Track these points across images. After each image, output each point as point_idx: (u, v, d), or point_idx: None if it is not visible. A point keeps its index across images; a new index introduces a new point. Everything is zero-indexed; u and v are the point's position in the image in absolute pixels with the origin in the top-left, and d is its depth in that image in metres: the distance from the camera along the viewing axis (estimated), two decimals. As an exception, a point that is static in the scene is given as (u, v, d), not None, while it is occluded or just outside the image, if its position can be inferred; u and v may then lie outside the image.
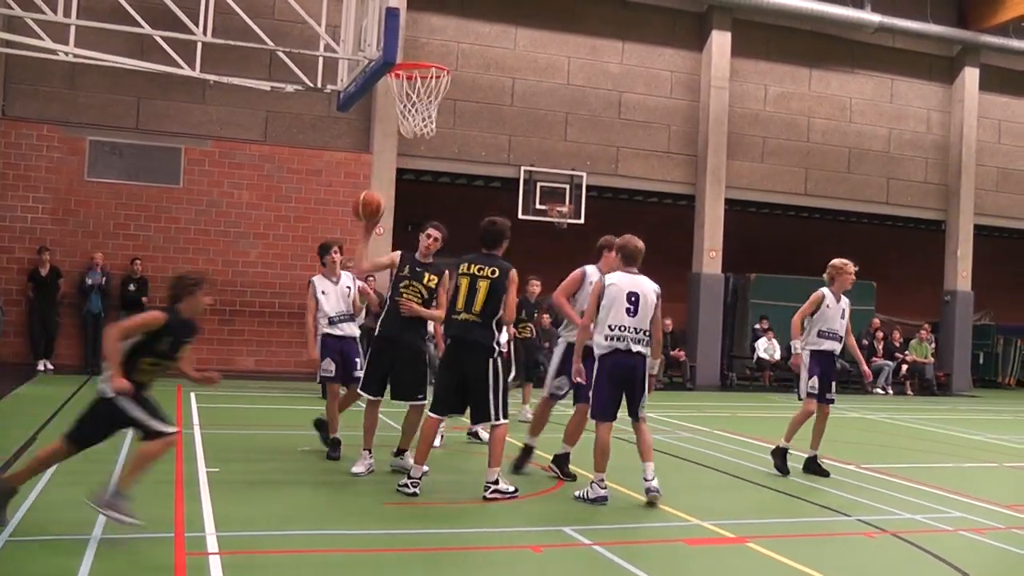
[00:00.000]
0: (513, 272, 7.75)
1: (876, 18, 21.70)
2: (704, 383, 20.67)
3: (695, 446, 11.64)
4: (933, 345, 23.36)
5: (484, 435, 10.03)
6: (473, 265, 7.79)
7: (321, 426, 9.23)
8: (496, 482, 7.61)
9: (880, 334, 22.64)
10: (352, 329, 9.24)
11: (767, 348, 21.10)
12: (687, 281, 21.43)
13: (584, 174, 20.34)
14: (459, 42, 19.88)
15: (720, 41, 21.20)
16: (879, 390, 21.94)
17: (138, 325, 5.83)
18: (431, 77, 13.41)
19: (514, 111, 20.23)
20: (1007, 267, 27.03)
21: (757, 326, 22.04)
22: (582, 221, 19.96)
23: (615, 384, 7.57)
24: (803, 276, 22.52)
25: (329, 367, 9.03)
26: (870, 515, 7.94)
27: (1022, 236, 25.77)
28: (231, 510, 6.81)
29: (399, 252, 8.43)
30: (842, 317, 9.38)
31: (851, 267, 9.31)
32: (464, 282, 7.74)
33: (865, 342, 22.75)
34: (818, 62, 22.51)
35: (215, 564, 5.51)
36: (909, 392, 22.52)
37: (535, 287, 13.09)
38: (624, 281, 7.62)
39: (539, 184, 20.00)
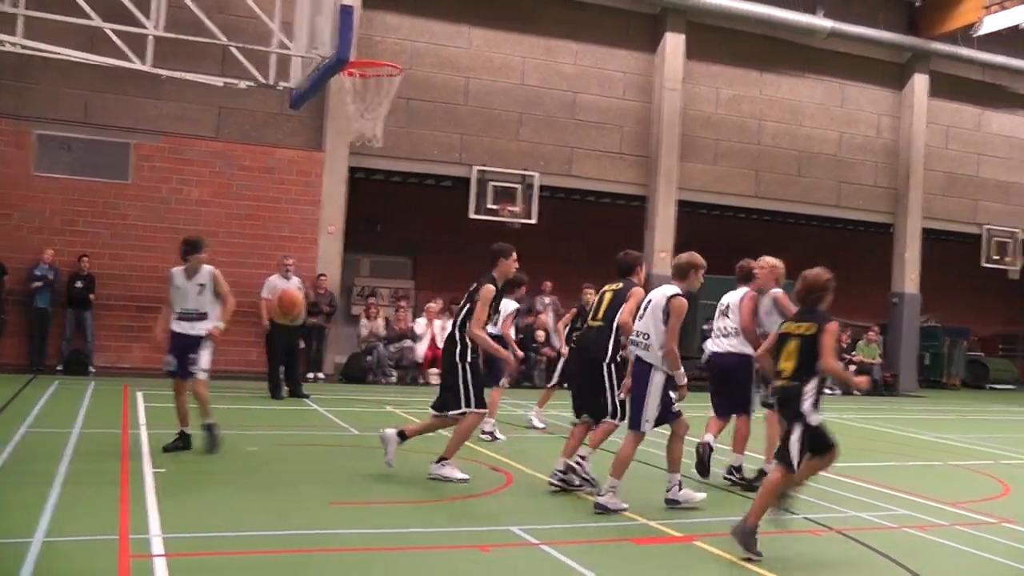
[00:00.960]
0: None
1: (828, 23, 22.00)
2: (654, 384, 20.57)
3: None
4: (881, 346, 23.69)
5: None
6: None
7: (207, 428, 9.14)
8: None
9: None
10: (198, 328, 9.21)
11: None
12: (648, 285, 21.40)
13: (537, 174, 20.37)
14: (413, 41, 19.85)
15: (673, 43, 21.32)
16: (827, 390, 22.01)
17: None
18: (384, 74, 13.36)
19: (468, 110, 20.22)
20: (954, 270, 27.46)
21: (706, 326, 22.13)
22: (534, 221, 20.01)
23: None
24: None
25: (169, 362, 9.21)
26: (817, 513, 8.04)
27: (969, 240, 26.17)
28: (178, 511, 6.76)
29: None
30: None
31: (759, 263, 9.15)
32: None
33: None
34: (770, 66, 22.73)
35: (160, 567, 5.48)
36: (857, 392, 22.74)
37: (591, 295, 11.73)
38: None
39: (491, 184, 20.02)
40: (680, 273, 7.98)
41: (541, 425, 12.40)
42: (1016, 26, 22.47)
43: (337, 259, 18.76)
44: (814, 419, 6.28)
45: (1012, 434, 16.27)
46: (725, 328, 9.16)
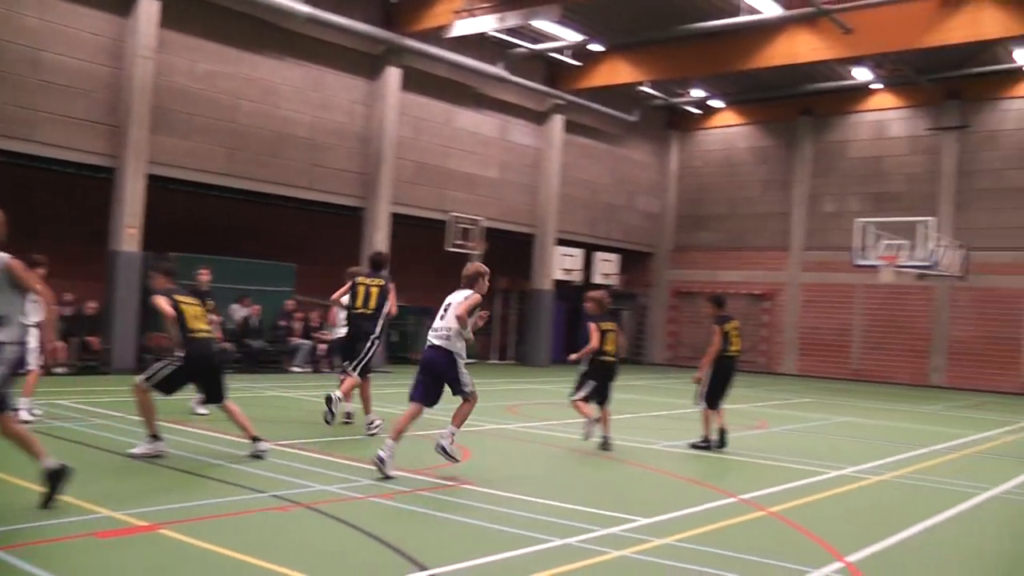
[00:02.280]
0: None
1: (306, 9, 22.67)
2: (121, 366, 19.80)
3: (109, 433, 11.05)
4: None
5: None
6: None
7: None
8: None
9: (299, 314, 23.35)
10: None
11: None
12: (105, 259, 20.22)
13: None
14: None
15: (148, 9, 20.74)
16: (296, 368, 22.64)
17: None
18: None
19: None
20: (422, 253, 29.06)
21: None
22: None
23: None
24: (230, 257, 22.36)
25: None
26: (285, 490, 8.16)
27: (436, 225, 27.84)
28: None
29: None
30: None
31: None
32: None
33: (283, 323, 23.21)
34: (249, 45, 22.92)
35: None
36: (326, 370, 23.38)
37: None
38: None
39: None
40: (469, 282, 9.90)
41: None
42: (483, 33, 24.14)
43: None
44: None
45: (481, 403, 17.42)
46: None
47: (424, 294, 30.59)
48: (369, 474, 9.20)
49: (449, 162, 28.78)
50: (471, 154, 29.51)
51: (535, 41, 28.42)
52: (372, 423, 12.46)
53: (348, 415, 13.20)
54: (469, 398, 9.78)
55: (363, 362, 12.40)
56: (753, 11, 24.32)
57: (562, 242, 32.67)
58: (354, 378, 12.36)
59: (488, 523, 7.64)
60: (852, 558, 7.08)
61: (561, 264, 32.28)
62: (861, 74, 31.32)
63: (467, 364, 9.74)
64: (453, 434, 9.67)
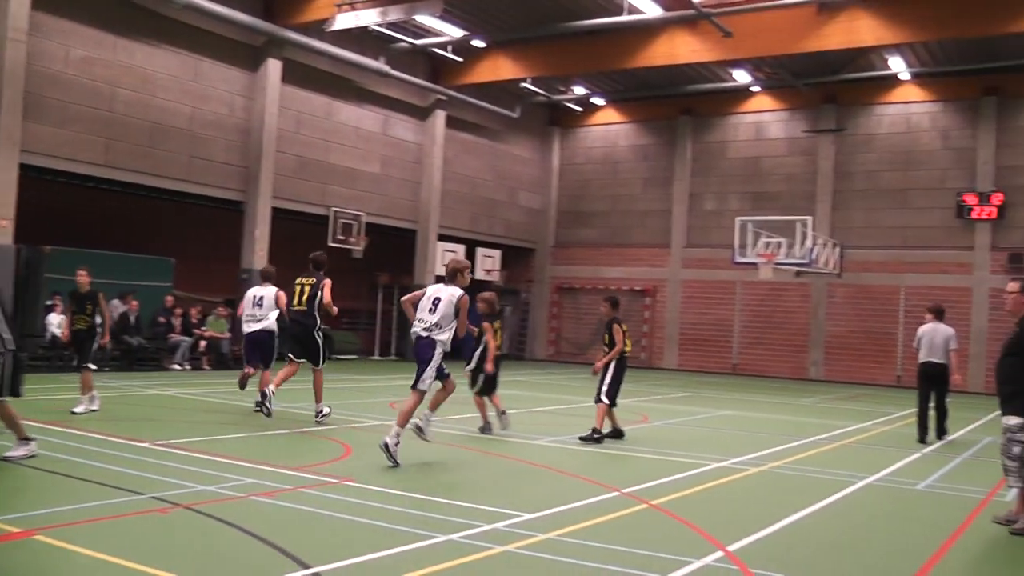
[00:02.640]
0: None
1: (184, -6, 21.84)
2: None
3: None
4: (230, 322, 24.09)
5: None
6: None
7: None
8: None
9: (179, 310, 22.81)
10: None
11: (60, 324, 19.97)
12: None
13: None
14: None
15: (18, -9, 19.66)
16: (176, 366, 22.14)
17: None
18: None
19: None
20: (302, 248, 28.61)
21: (50, 302, 20.84)
22: None
23: None
24: (107, 251, 21.75)
25: None
26: (164, 491, 7.97)
27: (315, 220, 27.58)
28: None
29: None
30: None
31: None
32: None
33: (162, 319, 22.66)
34: (125, 31, 22.41)
35: None
36: (206, 367, 23.00)
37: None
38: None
39: None
40: (451, 276, 10.81)
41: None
42: (365, 27, 23.97)
43: None
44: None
45: (356, 399, 17.32)
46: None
47: (306, 290, 30.32)
48: (250, 473, 9.06)
49: (331, 156, 28.51)
50: (353, 149, 29.29)
51: (417, 36, 28.49)
52: (322, 412, 13.71)
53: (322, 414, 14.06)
54: (416, 390, 10.64)
55: (323, 354, 14.08)
56: (635, 11, 24.72)
57: (444, 238, 32.87)
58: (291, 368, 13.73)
59: (371, 520, 7.64)
60: (733, 547, 7.30)
61: (443, 260, 32.19)
62: (741, 76, 32.16)
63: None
64: (428, 418, 11.01)
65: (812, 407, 21.74)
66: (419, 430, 10.78)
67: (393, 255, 32.91)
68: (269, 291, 15.13)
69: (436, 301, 10.62)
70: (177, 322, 23.36)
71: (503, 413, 13.58)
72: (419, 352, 10.68)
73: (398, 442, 10.20)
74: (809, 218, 27.73)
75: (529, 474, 10.68)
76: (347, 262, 28.66)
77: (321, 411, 13.75)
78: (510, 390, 20.67)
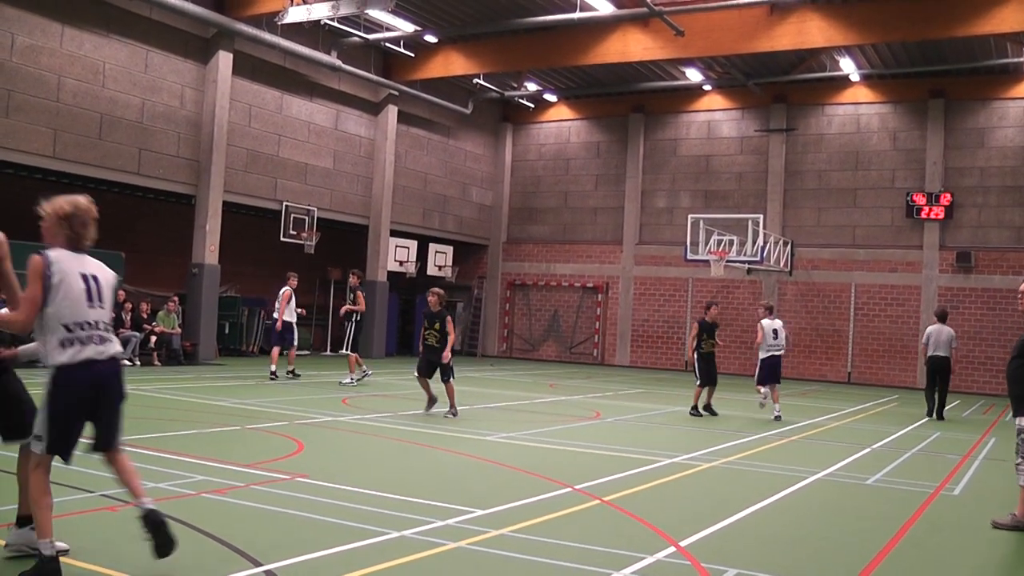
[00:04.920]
0: None
1: (131, -16, 21.57)
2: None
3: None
4: (180, 316, 23.93)
5: None
6: None
7: None
8: None
9: (128, 305, 22.59)
10: None
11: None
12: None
13: None
14: None
15: (-37, -21, 19.29)
16: (127, 361, 21.68)
17: None
18: None
19: None
20: (252, 243, 28.78)
21: (-5, 296, 20.35)
22: None
23: None
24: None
25: None
26: (113, 488, 7.78)
27: (266, 214, 27.53)
28: None
29: None
30: None
31: None
32: None
33: (112, 313, 22.20)
34: (72, 20, 22.16)
35: None
36: (157, 363, 22.92)
37: (715, 311, 18.51)
38: None
39: None
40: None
41: None
42: (317, 21, 23.85)
43: None
44: None
45: (303, 396, 17.22)
46: None
47: (257, 284, 30.15)
48: (201, 470, 8.99)
49: (282, 150, 28.31)
50: (304, 143, 29.09)
51: (369, 31, 28.35)
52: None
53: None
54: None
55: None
56: (587, 8, 24.80)
57: (396, 233, 32.84)
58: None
59: (323, 516, 7.67)
60: (684, 543, 7.38)
61: (395, 255, 32.21)
62: (692, 75, 32.37)
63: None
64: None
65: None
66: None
67: (345, 251, 32.77)
68: None
69: None
70: (127, 317, 23.04)
71: (433, 399, 15.62)
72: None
73: None
74: (760, 216, 28.04)
75: (481, 470, 10.71)
76: (298, 256, 28.67)
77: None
78: (462, 387, 20.69)
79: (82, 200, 6.07)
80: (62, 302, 5.73)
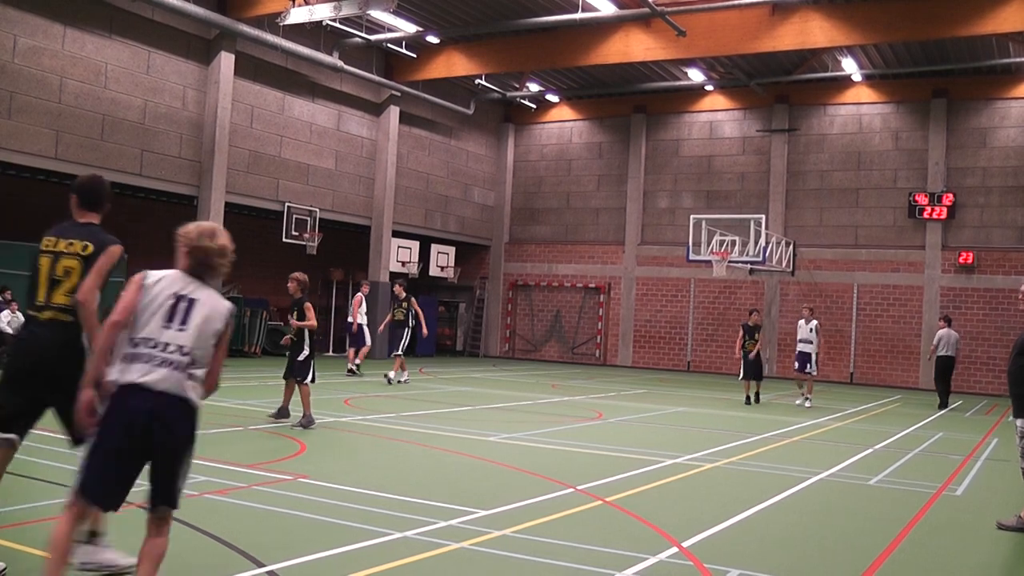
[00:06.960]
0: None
1: (134, -14, 21.59)
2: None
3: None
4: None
5: None
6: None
7: None
8: None
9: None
10: None
11: (11, 321, 19.75)
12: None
13: None
14: None
15: (-35, -19, 19.33)
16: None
17: None
18: None
19: None
20: (254, 244, 28.61)
21: (0, 298, 20.54)
22: None
23: None
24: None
25: None
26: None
27: (268, 216, 27.51)
28: None
29: None
30: None
31: None
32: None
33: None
34: (74, 21, 22.08)
35: None
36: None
37: (756, 316, 21.90)
38: None
39: None
40: None
41: None
42: (319, 21, 23.86)
43: None
44: None
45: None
46: None
47: (259, 285, 30.15)
48: (204, 470, 8.97)
49: (284, 151, 28.30)
50: (306, 144, 29.10)
51: (371, 32, 28.37)
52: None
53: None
54: None
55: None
56: (589, 9, 24.78)
57: (398, 234, 32.80)
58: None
59: (325, 517, 7.66)
60: (687, 543, 7.40)
61: (397, 256, 32.18)
62: (694, 75, 32.32)
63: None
64: None
65: (765, 404, 21.92)
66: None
67: (347, 251, 32.81)
68: None
69: None
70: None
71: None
72: None
73: None
74: (762, 216, 27.97)
75: (484, 471, 10.71)
76: (300, 257, 28.54)
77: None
78: (464, 387, 20.69)
79: (216, 238, 5.30)
80: (140, 315, 4.99)
